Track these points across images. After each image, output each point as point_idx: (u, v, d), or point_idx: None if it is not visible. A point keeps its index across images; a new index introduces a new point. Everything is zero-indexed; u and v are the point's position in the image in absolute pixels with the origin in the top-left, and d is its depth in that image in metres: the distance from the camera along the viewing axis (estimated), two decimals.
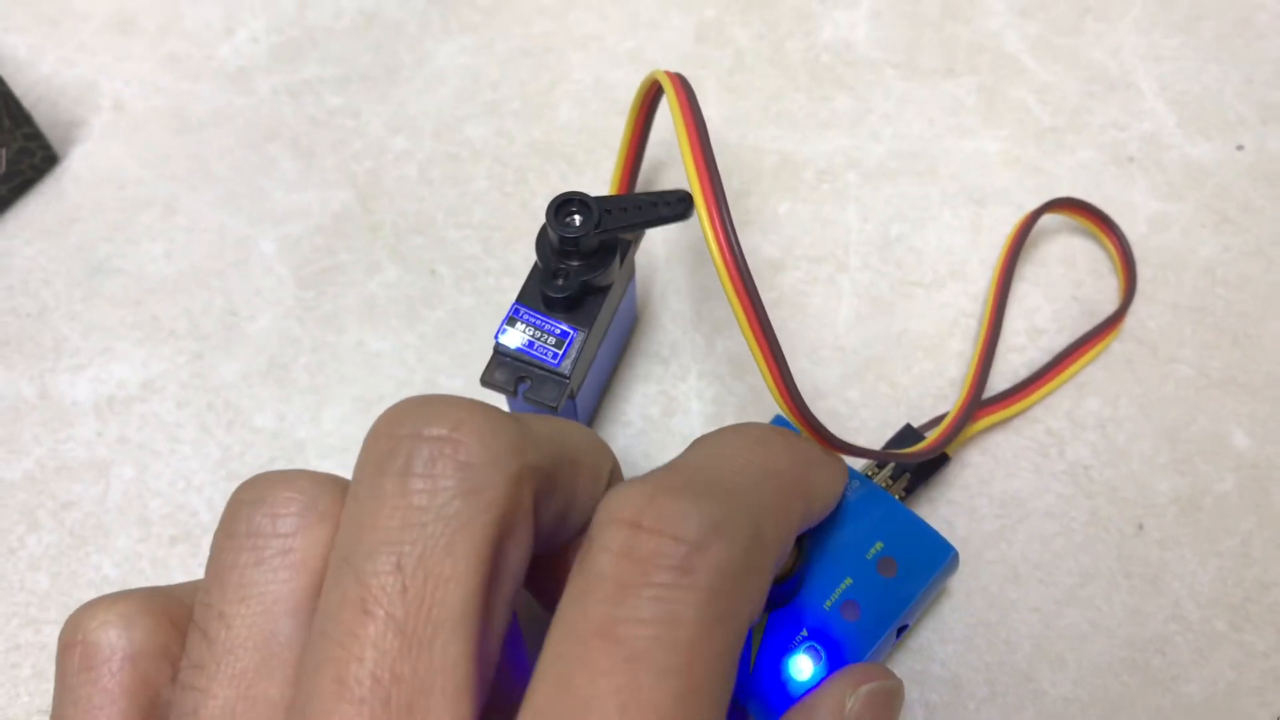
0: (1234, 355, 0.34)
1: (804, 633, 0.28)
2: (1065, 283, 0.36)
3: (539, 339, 0.29)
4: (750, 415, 0.34)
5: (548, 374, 0.29)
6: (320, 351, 0.35)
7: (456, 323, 0.35)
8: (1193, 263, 0.36)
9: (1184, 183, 0.37)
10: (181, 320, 0.35)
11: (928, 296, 0.35)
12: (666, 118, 0.30)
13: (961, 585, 0.31)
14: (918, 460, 0.31)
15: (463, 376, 0.34)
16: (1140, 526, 0.32)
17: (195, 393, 0.34)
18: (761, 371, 0.25)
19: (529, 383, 0.29)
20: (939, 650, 0.30)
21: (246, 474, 0.32)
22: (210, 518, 0.32)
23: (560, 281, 0.29)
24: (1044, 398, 0.34)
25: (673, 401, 0.34)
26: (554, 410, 0.29)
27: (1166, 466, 0.33)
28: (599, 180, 0.38)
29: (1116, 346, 0.34)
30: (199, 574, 0.31)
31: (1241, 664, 0.30)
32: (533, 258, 0.36)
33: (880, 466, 0.31)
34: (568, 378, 0.29)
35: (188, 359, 0.35)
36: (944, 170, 0.38)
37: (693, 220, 0.37)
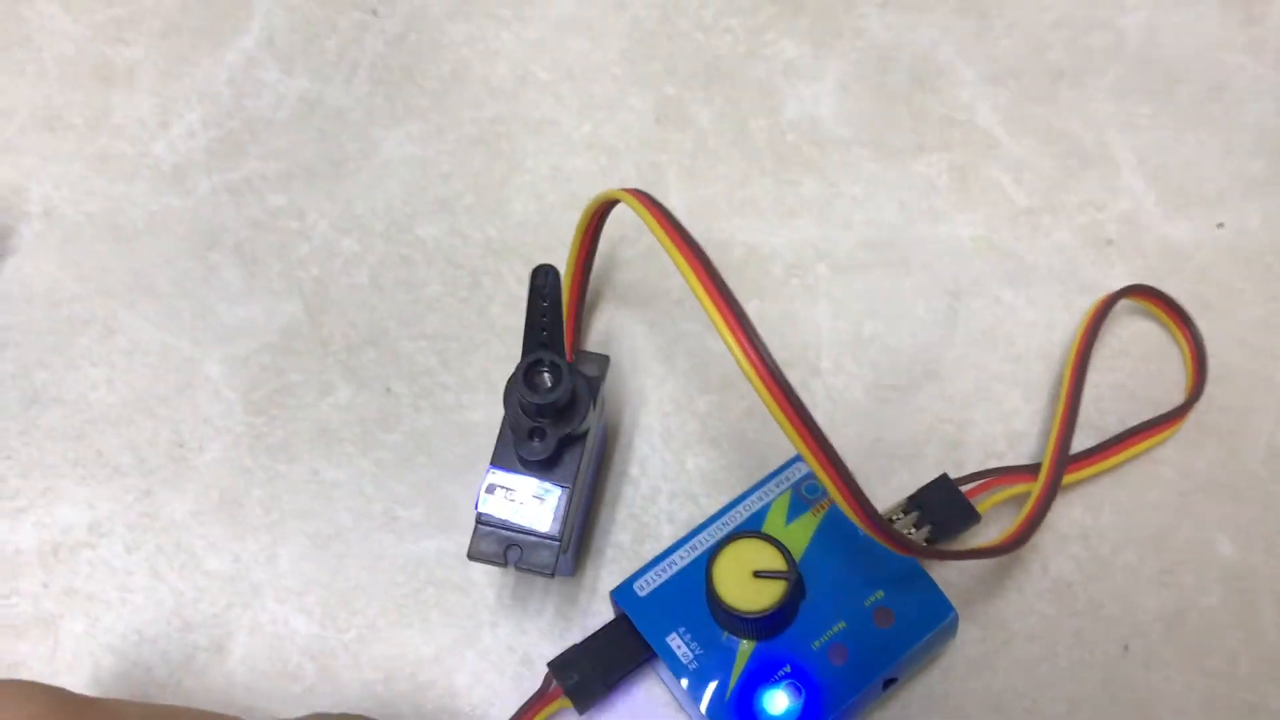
0: (1217, 455, 0.34)
1: (787, 668, 0.28)
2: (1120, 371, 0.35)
3: (522, 503, 0.28)
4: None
5: (538, 538, 0.28)
6: (273, 484, 0.33)
7: (415, 446, 0.34)
8: (1174, 355, 0.35)
9: (1163, 266, 0.36)
10: (126, 454, 0.33)
11: (903, 400, 0.34)
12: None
13: (946, 716, 0.30)
14: (993, 556, 0.30)
15: (422, 506, 0.33)
16: (1126, 648, 0.31)
17: (145, 534, 0.32)
18: (825, 484, 0.25)
19: (519, 550, 0.28)
20: None
21: (201, 623, 0.31)
22: (165, 673, 0.31)
23: (538, 444, 0.27)
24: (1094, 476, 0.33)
25: (643, 527, 0.33)
26: (550, 575, 0.28)
27: (1152, 580, 0.32)
28: None
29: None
30: None
31: None
32: (491, 371, 0.34)
33: (904, 515, 0.31)
34: (559, 539, 0.28)
35: (135, 497, 0.33)
36: (916, 260, 0.36)
37: (654, 325, 0.35)
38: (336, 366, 0.35)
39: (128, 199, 0.37)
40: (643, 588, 0.29)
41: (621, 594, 0.29)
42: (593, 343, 0.35)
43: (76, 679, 0.31)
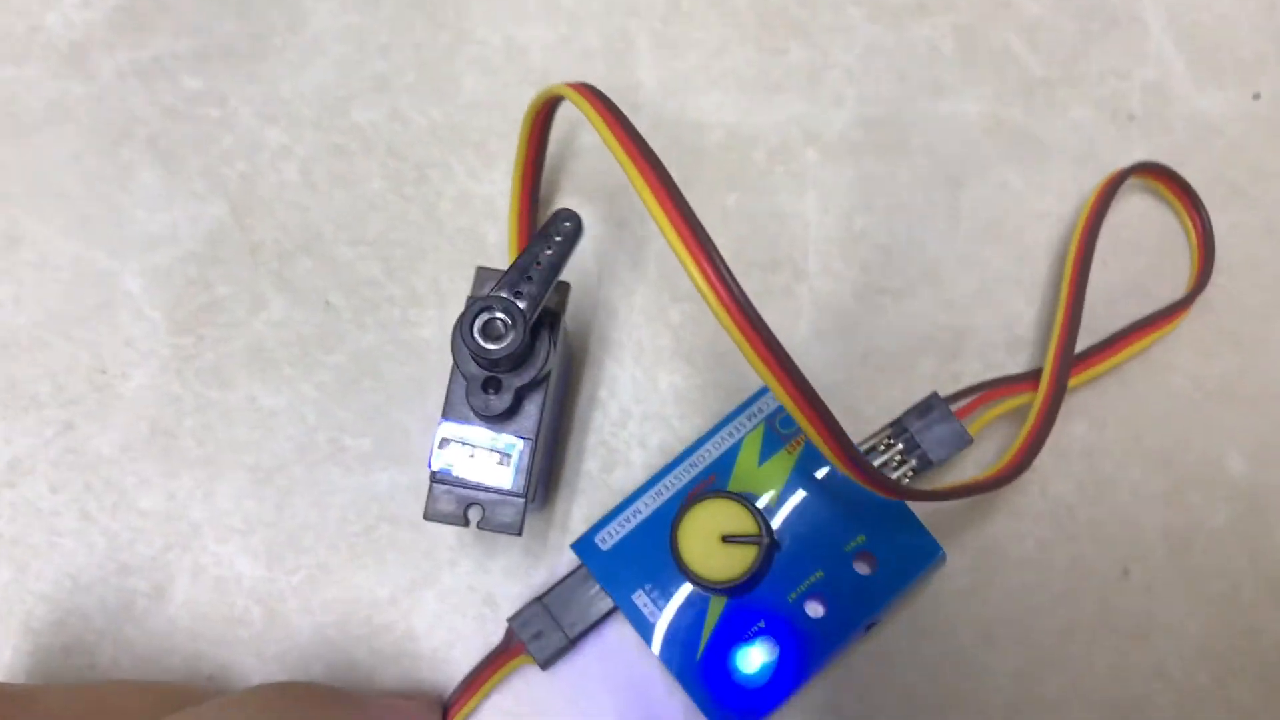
0: (1233, 362, 0.31)
1: (761, 623, 0.27)
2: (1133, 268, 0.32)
3: (480, 458, 0.25)
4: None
5: (500, 496, 0.25)
6: (206, 412, 0.30)
7: (359, 368, 0.31)
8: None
9: (1190, 144, 0.32)
10: (44, 383, 0.30)
11: (896, 306, 0.31)
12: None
13: (933, 649, 0.29)
14: (990, 489, 0.27)
15: (371, 435, 0.30)
16: (1126, 572, 0.29)
17: (70, 472, 0.30)
18: (803, 426, 0.23)
19: (480, 509, 0.25)
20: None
21: (138, 567, 0.29)
22: (104, 621, 0.29)
23: (493, 397, 0.24)
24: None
25: (613, 454, 0.30)
26: (518, 534, 0.25)
27: (1156, 499, 0.30)
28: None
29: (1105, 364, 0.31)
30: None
31: None
32: (442, 280, 0.31)
33: (890, 442, 0.29)
34: (523, 495, 0.25)
35: (56, 431, 0.30)
36: (916, 141, 0.32)
37: (621, 224, 0.32)
38: (268, 277, 0.31)
39: (20, 83, 0.33)
40: (605, 540, 0.27)
41: (583, 547, 0.27)
42: None
43: (6, 629, 0.29)
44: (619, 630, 0.28)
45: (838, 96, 0.33)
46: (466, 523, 0.25)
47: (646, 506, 0.27)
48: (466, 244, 0.31)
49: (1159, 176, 0.32)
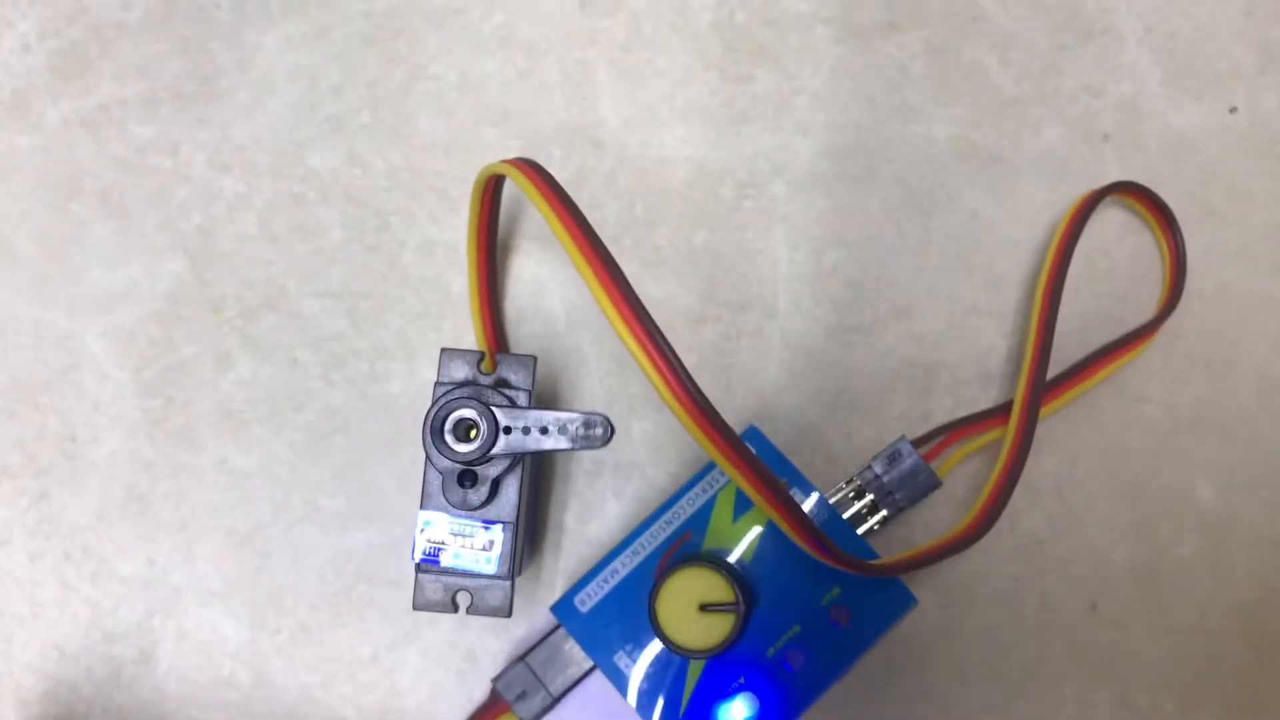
0: (1205, 389, 0.31)
1: (741, 679, 0.27)
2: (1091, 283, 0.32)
3: (463, 546, 0.25)
4: None
5: (487, 580, 0.25)
6: (179, 476, 0.30)
7: (330, 425, 0.31)
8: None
9: (1165, 163, 0.32)
10: (13, 453, 0.30)
11: (867, 344, 0.31)
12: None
13: (905, 688, 0.30)
14: (951, 553, 0.28)
15: (344, 494, 0.30)
16: (1094, 606, 0.30)
17: (47, 541, 0.30)
18: (773, 518, 0.23)
19: (469, 595, 0.25)
20: None
21: (123, 634, 0.30)
22: (91, 690, 0.29)
23: (470, 493, 0.24)
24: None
25: (587, 506, 0.30)
26: (507, 615, 0.25)
27: (1125, 533, 0.30)
28: None
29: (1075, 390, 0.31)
30: None
31: None
32: (409, 332, 0.31)
33: (859, 495, 0.29)
34: (508, 578, 0.25)
35: (31, 500, 0.30)
36: (885, 170, 0.32)
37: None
38: (233, 335, 0.31)
39: None
40: (584, 602, 0.28)
41: (562, 610, 0.28)
42: (518, 294, 0.31)
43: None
44: (600, 685, 0.29)
45: (805, 125, 0.32)
46: (455, 608, 0.25)
47: (624, 566, 0.28)
48: (431, 293, 0.31)
49: (1135, 195, 0.31)
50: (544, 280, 0.31)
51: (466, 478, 0.25)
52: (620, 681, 0.27)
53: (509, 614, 0.25)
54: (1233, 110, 0.32)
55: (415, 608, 0.25)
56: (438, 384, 0.26)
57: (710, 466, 0.28)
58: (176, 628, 0.30)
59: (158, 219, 0.31)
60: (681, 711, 0.27)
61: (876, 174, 0.32)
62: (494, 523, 0.25)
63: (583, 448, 0.24)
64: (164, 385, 0.31)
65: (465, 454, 0.24)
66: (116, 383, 0.31)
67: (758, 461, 0.22)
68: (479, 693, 0.29)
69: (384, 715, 0.29)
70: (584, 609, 0.27)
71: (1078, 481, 0.30)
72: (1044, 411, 0.30)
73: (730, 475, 0.22)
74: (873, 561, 0.26)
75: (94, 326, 0.31)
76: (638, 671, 0.27)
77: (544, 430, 0.23)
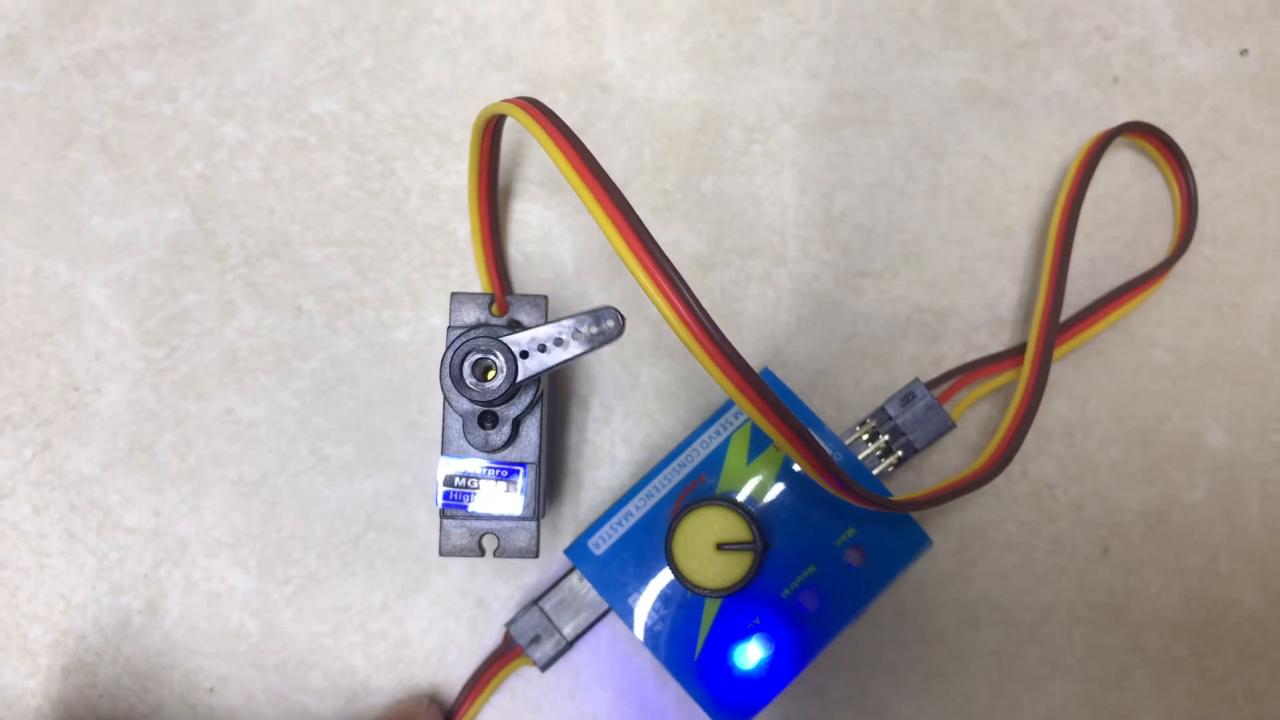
0: (1216, 333, 0.31)
1: (756, 620, 0.27)
2: (1101, 229, 0.31)
3: (486, 490, 0.25)
4: None
5: (513, 523, 0.25)
6: (184, 426, 0.30)
7: (336, 373, 0.30)
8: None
9: (1175, 108, 0.32)
10: (15, 402, 0.30)
11: (878, 289, 0.31)
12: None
13: (917, 633, 0.30)
14: (968, 490, 0.27)
15: (352, 442, 0.30)
16: (1105, 550, 0.30)
17: (52, 493, 0.30)
18: (791, 455, 0.23)
19: (495, 538, 0.25)
20: (894, 707, 0.29)
21: (130, 585, 0.29)
22: (100, 640, 0.29)
23: (492, 431, 0.24)
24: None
25: (597, 451, 0.30)
26: (535, 556, 0.25)
27: (1136, 476, 0.30)
28: None
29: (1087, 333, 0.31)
30: (100, 707, 0.29)
31: (1198, 691, 0.29)
32: (415, 279, 0.31)
33: (873, 437, 0.29)
34: (534, 519, 0.25)
35: (34, 451, 0.30)
36: (895, 114, 0.31)
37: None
38: (237, 284, 0.30)
39: None
40: (598, 545, 0.27)
41: (576, 552, 0.27)
42: (526, 239, 0.31)
43: (4, 653, 0.29)
44: (613, 627, 0.29)
45: (813, 68, 0.32)
46: (482, 553, 0.25)
47: (638, 509, 0.28)
48: (437, 240, 0.31)
49: (1147, 136, 0.31)
50: (550, 226, 0.31)
51: (487, 419, 0.24)
52: (635, 623, 0.27)
53: (536, 555, 0.25)
54: (1244, 53, 0.32)
55: (442, 554, 0.25)
56: (450, 329, 0.25)
57: (723, 410, 0.28)
58: (184, 578, 0.29)
59: (158, 166, 0.31)
60: (697, 653, 0.27)
61: (885, 118, 0.31)
62: (517, 464, 0.25)
63: (600, 344, 0.23)
64: (167, 335, 0.30)
65: (489, 391, 0.23)
66: (118, 332, 0.30)
67: (775, 397, 0.22)
68: (490, 640, 0.29)
69: (394, 663, 0.29)
70: (598, 551, 0.27)
71: (1088, 426, 0.30)
72: (1055, 354, 0.30)
73: (746, 410, 0.22)
74: (891, 498, 0.26)
75: (95, 276, 0.30)
76: (653, 614, 0.27)
77: (558, 342, 0.23)
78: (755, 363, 0.30)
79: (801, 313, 0.31)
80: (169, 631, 0.29)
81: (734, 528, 0.26)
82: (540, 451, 0.25)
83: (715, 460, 0.28)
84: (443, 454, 0.25)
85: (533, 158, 0.31)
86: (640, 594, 0.27)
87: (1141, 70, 0.32)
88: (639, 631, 0.27)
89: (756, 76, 0.32)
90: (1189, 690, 0.29)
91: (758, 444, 0.28)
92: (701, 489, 0.27)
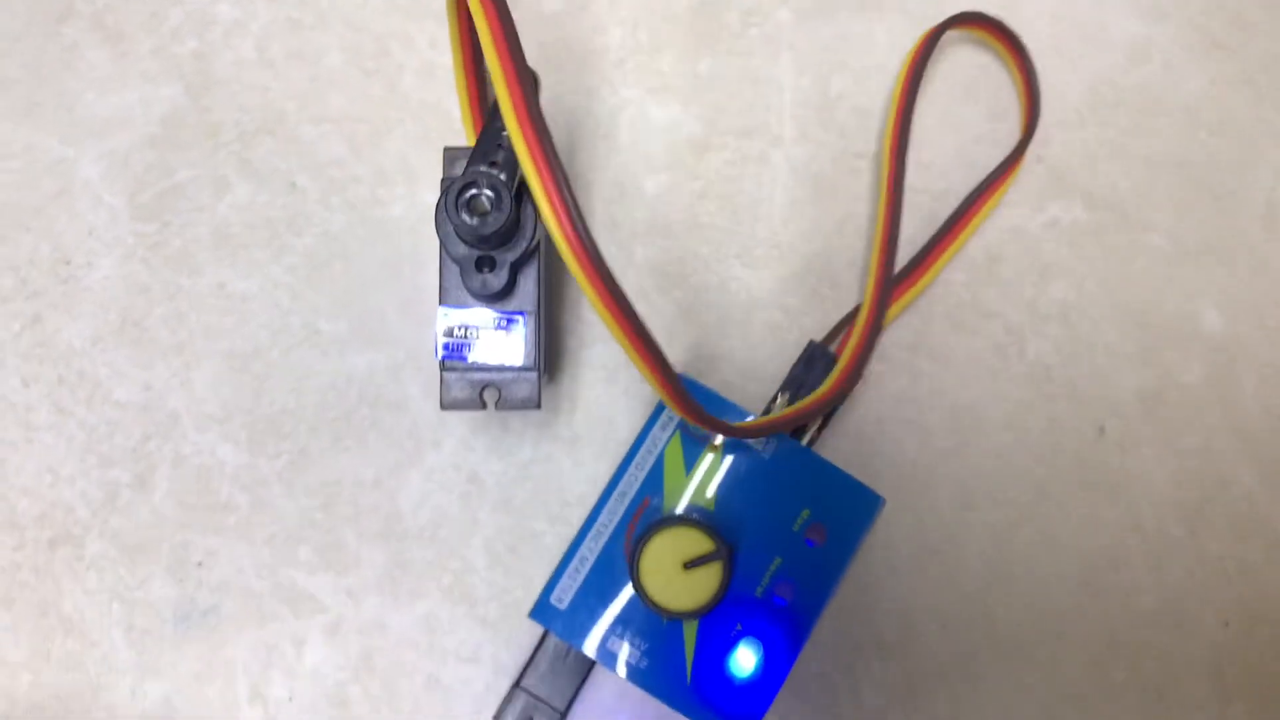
0: (1210, 217, 0.31)
1: (738, 626, 0.27)
2: (967, 117, 0.31)
3: (486, 339, 0.25)
4: (681, 332, 0.30)
5: (514, 373, 0.25)
6: (176, 300, 0.30)
7: (329, 250, 0.30)
8: (1174, 104, 0.31)
9: None
10: (6, 276, 0.30)
11: (873, 171, 0.31)
12: None
13: (912, 511, 0.29)
14: (821, 410, 0.27)
15: (345, 318, 0.30)
16: (1101, 430, 0.30)
17: (41, 365, 0.29)
18: (643, 374, 0.23)
19: (496, 390, 0.25)
20: (889, 583, 0.29)
21: (119, 459, 0.29)
22: (88, 513, 0.29)
23: (490, 275, 0.24)
24: (951, 259, 0.30)
25: (591, 329, 0.30)
26: (537, 407, 0.25)
27: (1132, 357, 0.30)
28: None
29: (1084, 215, 0.31)
30: (87, 580, 0.28)
31: (1194, 569, 0.29)
32: (410, 156, 0.30)
33: (791, 404, 0.28)
34: (535, 369, 0.25)
35: (24, 324, 0.30)
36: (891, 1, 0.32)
37: (591, 93, 0.31)
38: (230, 160, 0.30)
39: None
40: (561, 599, 0.27)
41: (542, 613, 0.27)
42: None
43: None
44: (604, 676, 0.28)
45: None
46: (484, 405, 0.25)
47: (591, 551, 0.27)
48: (433, 118, 0.30)
49: (981, 26, 0.31)
50: (543, 108, 0.31)
51: (484, 263, 0.24)
52: (618, 667, 0.26)
53: (538, 405, 0.25)
54: None
55: (443, 407, 0.25)
56: (445, 179, 0.25)
57: (649, 425, 0.28)
58: (174, 452, 0.29)
59: (152, 44, 0.31)
60: (689, 677, 0.26)
61: (881, 4, 0.31)
62: (516, 313, 0.25)
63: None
64: (160, 210, 0.30)
65: (491, 223, 0.23)
66: (110, 207, 0.30)
67: (626, 300, 0.22)
68: (482, 514, 0.29)
69: (385, 538, 0.29)
70: (562, 606, 0.27)
71: (1084, 307, 0.30)
72: (950, 253, 0.30)
73: (596, 308, 0.22)
74: (734, 424, 0.25)
75: (88, 151, 0.30)
76: (634, 651, 0.26)
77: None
78: (749, 245, 0.30)
79: (798, 194, 0.31)
80: (158, 505, 0.29)
81: (696, 543, 0.26)
82: (538, 303, 0.25)
83: (655, 479, 0.27)
84: (440, 304, 0.25)
85: (534, 41, 0.31)
86: (617, 636, 0.26)
87: None
88: (623, 673, 0.26)
89: None
90: (1186, 569, 0.29)
91: (691, 451, 0.27)
92: (649, 511, 0.27)
